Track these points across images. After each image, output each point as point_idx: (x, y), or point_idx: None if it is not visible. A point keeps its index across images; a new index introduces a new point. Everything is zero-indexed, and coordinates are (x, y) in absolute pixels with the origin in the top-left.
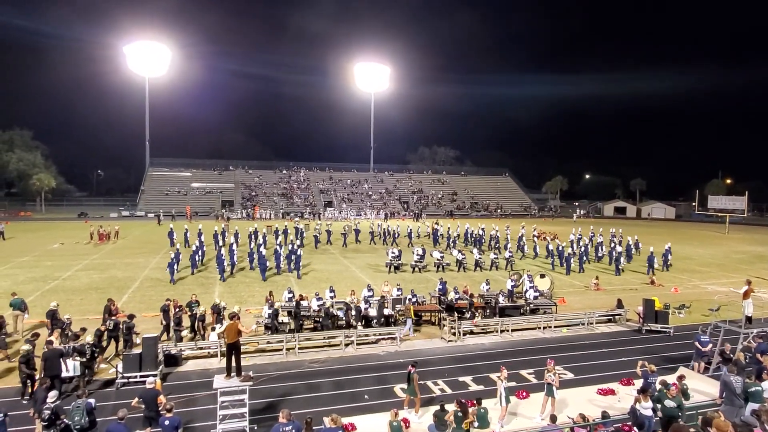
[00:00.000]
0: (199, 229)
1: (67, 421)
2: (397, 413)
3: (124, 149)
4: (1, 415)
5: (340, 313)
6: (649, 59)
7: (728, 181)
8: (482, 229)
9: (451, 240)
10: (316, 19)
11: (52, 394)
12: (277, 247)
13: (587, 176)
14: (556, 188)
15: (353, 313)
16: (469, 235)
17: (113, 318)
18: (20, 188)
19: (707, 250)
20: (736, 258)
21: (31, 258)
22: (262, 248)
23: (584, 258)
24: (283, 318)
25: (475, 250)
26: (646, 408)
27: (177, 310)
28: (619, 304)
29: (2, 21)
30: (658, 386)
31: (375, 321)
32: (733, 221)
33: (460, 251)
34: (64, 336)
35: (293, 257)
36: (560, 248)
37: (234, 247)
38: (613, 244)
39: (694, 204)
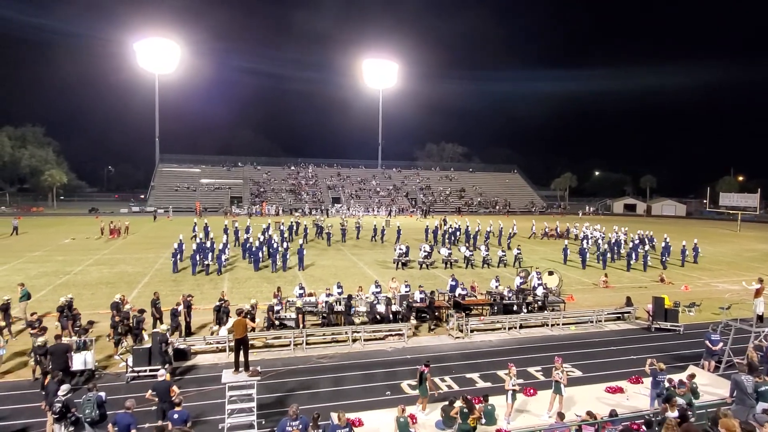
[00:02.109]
0: (225, 225)
1: (78, 414)
2: (404, 409)
3: (135, 145)
4: None
5: (381, 308)
6: (659, 56)
7: (740, 178)
8: (459, 224)
9: (437, 237)
10: (324, 16)
11: (64, 388)
12: (275, 243)
13: (597, 173)
14: (565, 185)
15: (396, 307)
16: (450, 232)
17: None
18: (32, 184)
19: (718, 248)
20: (747, 256)
21: (43, 253)
22: (255, 241)
23: (608, 255)
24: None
25: (482, 247)
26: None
27: (221, 303)
28: (628, 302)
29: (14, 17)
30: (667, 384)
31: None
32: (745, 219)
33: (468, 248)
34: (75, 330)
35: (280, 251)
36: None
37: (227, 246)
38: (637, 241)
39: (705, 201)
